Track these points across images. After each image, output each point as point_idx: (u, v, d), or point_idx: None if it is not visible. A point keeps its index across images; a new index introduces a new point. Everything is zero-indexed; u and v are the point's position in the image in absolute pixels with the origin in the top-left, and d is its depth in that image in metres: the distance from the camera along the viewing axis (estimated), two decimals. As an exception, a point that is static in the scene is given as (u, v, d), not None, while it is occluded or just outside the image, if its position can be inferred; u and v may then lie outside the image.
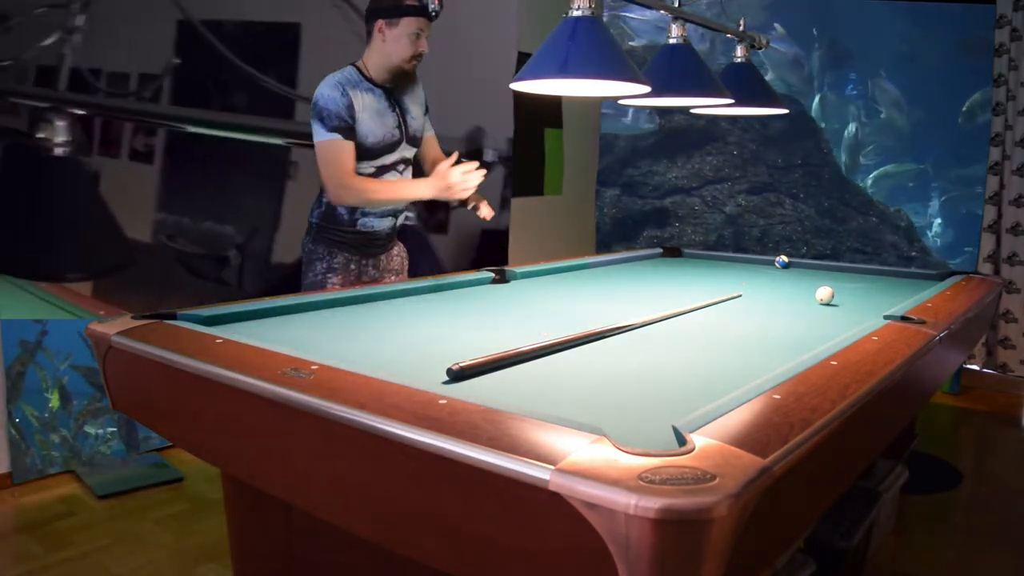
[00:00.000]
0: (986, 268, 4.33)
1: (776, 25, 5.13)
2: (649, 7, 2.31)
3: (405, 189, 2.49)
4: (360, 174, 2.41)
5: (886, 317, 1.97)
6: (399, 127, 2.47)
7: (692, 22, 2.44)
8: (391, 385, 1.24)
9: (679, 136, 5.27)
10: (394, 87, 2.47)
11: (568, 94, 2.19)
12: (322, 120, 2.32)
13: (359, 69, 2.42)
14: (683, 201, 5.44)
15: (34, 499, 2.82)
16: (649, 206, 5.50)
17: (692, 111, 2.96)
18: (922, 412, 3.60)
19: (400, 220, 2.65)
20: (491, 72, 4.25)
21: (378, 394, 1.20)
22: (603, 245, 5.55)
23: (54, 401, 3.00)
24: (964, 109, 4.75)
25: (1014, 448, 3.72)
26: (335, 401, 1.17)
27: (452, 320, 2.03)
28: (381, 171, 2.47)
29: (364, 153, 2.41)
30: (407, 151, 2.54)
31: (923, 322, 1.91)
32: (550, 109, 4.94)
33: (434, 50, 2.47)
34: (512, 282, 2.65)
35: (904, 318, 1.95)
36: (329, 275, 2.52)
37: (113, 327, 1.67)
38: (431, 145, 2.68)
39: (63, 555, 2.41)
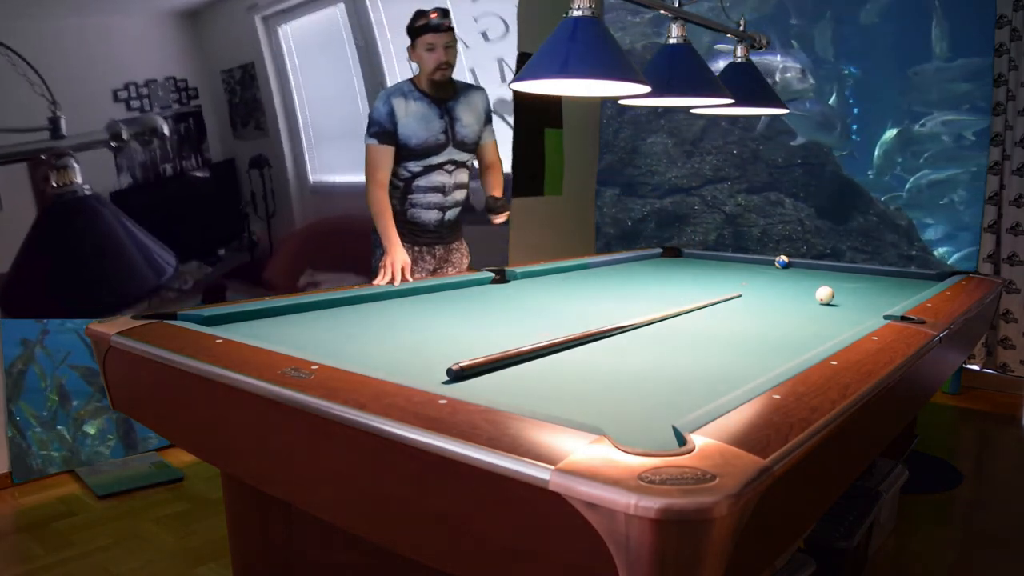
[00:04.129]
0: (986, 268, 4.33)
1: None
2: (649, 7, 2.31)
3: (387, 230, 2.67)
4: (408, 172, 2.75)
5: (886, 317, 1.97)
6: (445, 132, 2.75)
7: (692, 22, 2.43)
8: (391, 385, 1.24)
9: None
10: (445, 97, 2.75)
11: (568, 94, 2.19)
12: (368, 127, 2.70)
13: (413, 82, 2.75)
14: (683, 201, 5.44)
15: (34, 499, 2.82)
16: (649, 206, 5.50)
17: (692, 111, 2.96)
18: (922, 412, 3.60)
19: (448, 215, 2.88)
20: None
21: (378, 394, 1.20)
22: (603, 245, 5.55)
23: (53, 400, 3.00)
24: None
25: (1014, 448, 3.72)
26: (335, 401, 1.17)
27: (452, 320, 2.03)
28: (428, 170, 2.76)
29: (409, 153, 2.72)
30: (456, 154, 2.80)
31: (923, 322, 1.91)
32: (550, 109, 4.94)
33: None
34: (512, 282, 2.65)
35: (904, 318, 1.95)
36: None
37: (113, 327, 1.67)
38: (488, 151, 2.94)
39: (63, 555, 2.41)
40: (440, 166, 2.76)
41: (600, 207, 5.52)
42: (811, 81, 5.04)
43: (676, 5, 2.34)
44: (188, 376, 1.43)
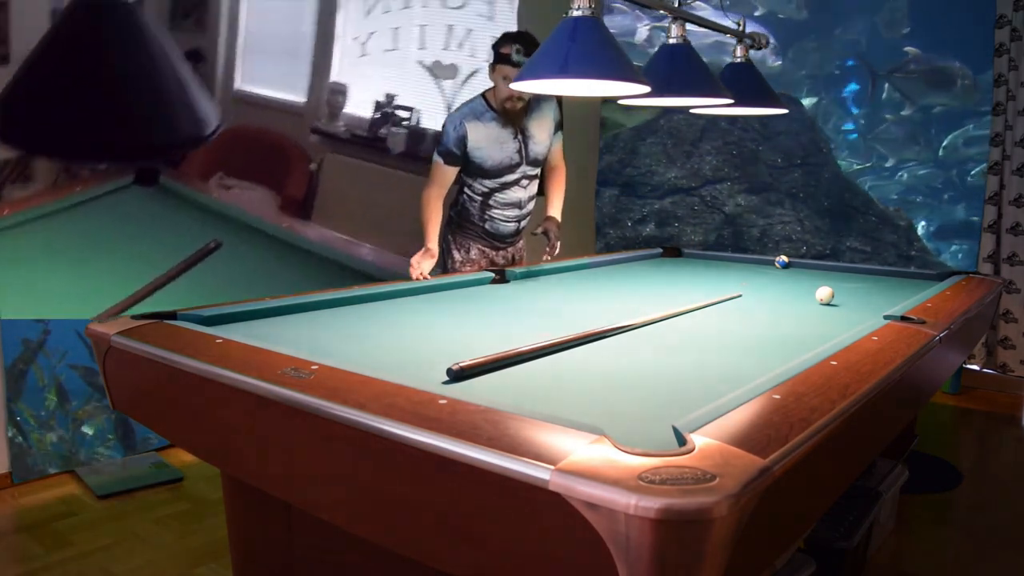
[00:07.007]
0: (986, 268, 4.33)
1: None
2: (649, 7, 2.31)
3: (427, 230, 2.76)
4: (485, 188, 2.87)
5: (886, 317, 1.97)
6: (519, 152, 2.85)
7: (692, 22, 2.43)
8: (391, 385, 1.24)
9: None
10: (517, 115, 2.80)
11: (568, 94, 2.20)
12: (438, 145, 2.82)
13: (485, 98, 2.81)
14: (683, 201, 5.43)
15: (34, 499, 2.82)
16: (649, 206, 5.49)
17: (692, 111, 2.96)
18: (922, 412, 3.60)
19: (523, 223, 3.05)
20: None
21: (378, 394, 1.20)
22: (603, 245, 5.55)
23: (52, 400, 3.00)
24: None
25: (1014, 448, 3.72)
26: (335, 401, 1.17)
27: (452, 320, 2.03)
28: (504, 187, 2.88)
29: (484, 173, 2.83)
30: (529, 170, 2.93)
31: (923, 322, 1.91)
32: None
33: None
34: (512, 282, 2.65)
35: (904, 318, 1.95)
36: (466, 266, 2.97)
37: (113, 327, 1.66)
38: (553, 154, 3.04)
39: (63, 555, 2.41)
40: (516, 182, 2.90)
41: (600, 207, 5.52)
42: (978, 88, 4.68)
43: (676, 5, 2.34)
44: (188, 376, 1.43)
